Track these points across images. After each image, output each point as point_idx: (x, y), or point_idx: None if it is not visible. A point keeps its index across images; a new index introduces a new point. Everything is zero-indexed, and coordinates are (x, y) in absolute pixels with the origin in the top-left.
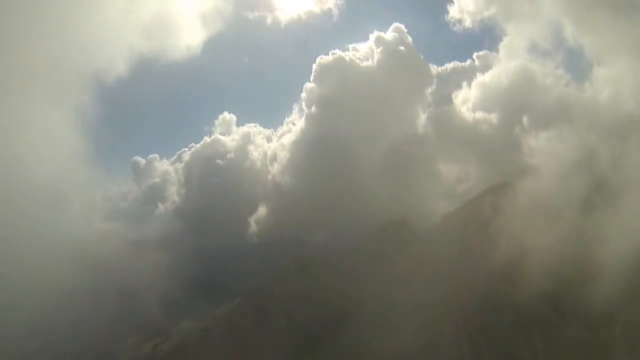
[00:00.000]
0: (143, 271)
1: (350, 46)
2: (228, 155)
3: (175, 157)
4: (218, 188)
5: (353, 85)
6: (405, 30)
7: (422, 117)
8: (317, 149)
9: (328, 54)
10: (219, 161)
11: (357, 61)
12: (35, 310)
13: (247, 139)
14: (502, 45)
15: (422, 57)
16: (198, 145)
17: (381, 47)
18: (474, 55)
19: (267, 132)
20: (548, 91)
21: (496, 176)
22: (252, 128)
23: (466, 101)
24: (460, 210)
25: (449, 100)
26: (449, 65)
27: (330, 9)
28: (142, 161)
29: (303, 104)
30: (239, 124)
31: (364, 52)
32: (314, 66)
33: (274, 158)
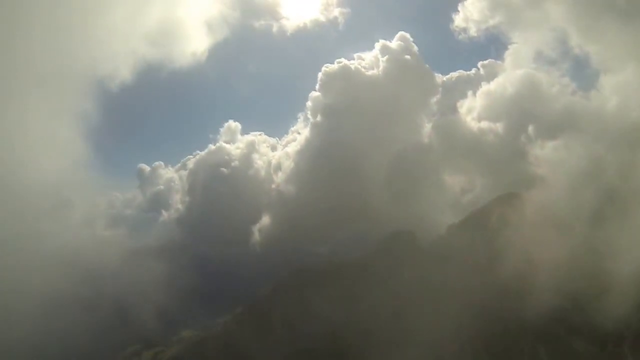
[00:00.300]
0: (144, 279)
1: (356, 55)
2: (232, 164)
3: (179, 164)
4: (222, 196)
5: (358, 94)
6: (411, 39)
7: (427, 127)
8: (321, 159)
9: (334, 63)
10: (224, 169)
11: (363, 70)
12: (33, 317)
13: (251, 148)
14: (508, 54)
15: (427, 66)
16: (203, 153)
17: (387, 56)
18: (479, 64)
19: (272, 140)
20: (554, 100)
21: (502, 186)
22: (257, 136)
23: (471, 110)
24: (465, 221)
25: (454, 110)
26: (454, 74)
27: (336, 18)
28: (147, 168)
29: (308, 112)
30: (244, 132)
31: (370, 60)
32: (320, 75)
33: (278, 167)
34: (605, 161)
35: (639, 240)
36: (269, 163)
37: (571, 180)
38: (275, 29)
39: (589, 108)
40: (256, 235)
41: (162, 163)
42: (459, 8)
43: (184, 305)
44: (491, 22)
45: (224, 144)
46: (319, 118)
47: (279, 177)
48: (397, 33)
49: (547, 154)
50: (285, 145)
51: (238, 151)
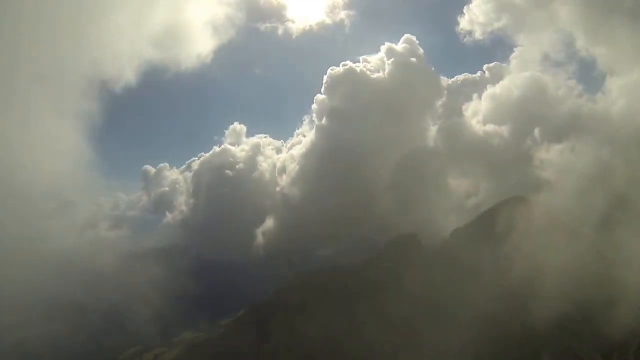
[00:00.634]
0: (146, 282)
1: (362, 57)
2: (237, 166)
3: (184, 166)
4: (226, 198)
5: (364, 96)
6: (417, 42)
7: (432, 130)
8: (326, 161)
9: (339, 65)
10: (228, 171)
11: (368, 72)
12: (34, 318)
13: (256, 150)
14: (513, 57)
15: (433, 68)
16: (207, 154)
17: (392, 59)
18: (485, 67)
19: (277, 143)
20: (560, 103)
21: (507, 190)
22: (262, 139)
23: (477, 113)
24: (470, 225)
25: (459, 113)
26: (460, 77)
27: (342, 20)
28: (152, 170)
29: (313, 115)
30: (249, 134)
31: (375, 63)
32: (325, 77)
33: (282, 170)
34: (613, 165)
35: None
36: (274, 165)
37: (578, 184)
38: (281, 31)
39: (596, 111)
40: (260, 238)
41: (166, 164)
42: (464, 11)
43: (185, 307)
44: (496, 25)
45: (229, 146)
46: (324, 121)
47: (284, 180)
48: (402, 36)
49: (553, 158)
50: (290, 148)
51: (243, 153)
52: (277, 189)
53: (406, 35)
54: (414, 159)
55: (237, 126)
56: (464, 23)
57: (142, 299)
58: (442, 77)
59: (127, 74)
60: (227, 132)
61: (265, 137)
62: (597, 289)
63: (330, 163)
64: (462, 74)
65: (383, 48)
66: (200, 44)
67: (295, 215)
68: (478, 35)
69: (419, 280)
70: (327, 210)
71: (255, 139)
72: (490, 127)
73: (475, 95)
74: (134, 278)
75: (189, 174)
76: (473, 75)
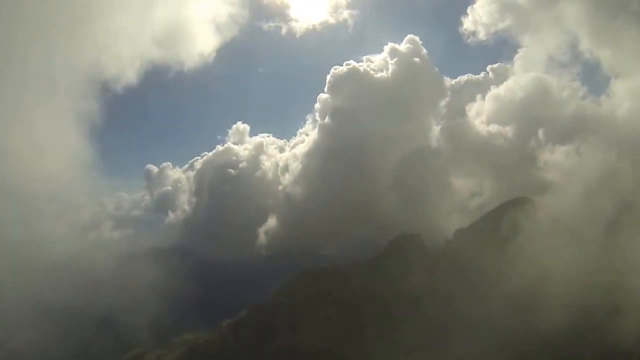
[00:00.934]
0: (147, 281)
1: (365, 57)
2: (240, 165)
3: (187, 165)
4: (229, 197)
5: (367, 96)
6: (420, 42)
7: (436, 130)
8: (329, 161)
9: (342, 65)
10: (231, 170)
11: (372, 72)
12: (37, 318)
13: (259, 149)
14: (517, 58)
15: (436, 69)
16: (210, 153)
17: (395, 59)
18: (488, 68)
19: (280, 142)
20: (564, 104)
21: (511, 191)
22: (265, 138)
23: (480, 114)
24: (474, 226)
25: (462, 113)
26: (463, 78)
27: (345, 20)
28: (155, 169)
29: (317, 114)
30: (253, 133)
31: (379, 63)
32: (328, 77)
33: (285, 169)
34: (620, 168)
35: None
36: (277, 165)
37: (584, 187)
38: (284, 30)
39: (600, 113)
40: (262, 238)
41: (169, 164)
42: (468, 11)
43: (186, 307)
44: (500, 26)
45: (232, 145)
46: (327, 120)
47: (287, 179)
48: (406, 36)
49: (557, 159)
50: (293, 147)
51: (246, 152)
52: (280, 188)
53: (409, 36)
54: (417, 158)
55: (240, 125)
56: (467, 23)
57: (142, 300)
58: (445, 78)
59: (129, 73)
60: (230, 131)
61: (268, 136)
62: (603, 295)
63: (333, 162)
64: (466, 75)
65: (386, 48)
66: (202, 42)
67: (297, 214)
68: (482, 35)
69: (422, 281)
70: (330, 210)
71: (258, 138)
72: (494, 128)
73: (478, 96)
74: (134, 278)
75: (191, 173)
76: (476, 76)
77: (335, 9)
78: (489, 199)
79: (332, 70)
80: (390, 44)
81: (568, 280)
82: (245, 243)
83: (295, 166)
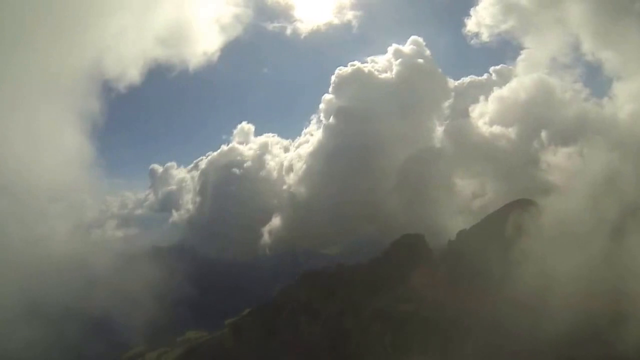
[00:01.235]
0: (150, 280)
1: (369, 58)
2: (245, 164)
3: (192, 165)
4: (233, 197)
5: (371, 97)
6: (424, 43)
7: (439, 131)
8: (333, 161)
9: (347, 66)
10: (236, 170)
11: (376, 73)
12: (32, 317)
13: (264, 149)
14: (520, 59)
15: (440, 70)
16: (215, 153)
17: (400, 60)
18: (491, 69)
19: (285, 142)
20: (567, 106)
21: (514, 192)
22: (270, 138)
23: (483, 115)
24: (477, 227)
25: (465, 114)
26: (466, 79)
27: (349, 21)
28: (160, 169)
29: (321, 114)
30: (258, 133)
31: (383, 64)
32: (333, 77)
33: (290, 169)
34: (624, 170)
35: None
36: (281, 164)
37: (587, 189)
38: (289, 31)
39: (603, 115)
40: (266, 237)
41: (174, 163)
42: (471, 13)
43: (189, 306)
44: (503, 27)
45: (237, 145)
46: (331, 120)
47: (291, 179)
48: (409, 37)
49: (560, 161)
50: (298, 147)
51: (251, 152)
52: (284, 187)
53: (413, 37)
54: (420, 159)
55: (245, 125)
56: (470, 25)
57: (143, 299)
58: (448, 79)
59: (133, 72)
60: (235, 131)
61: (273, 136)
62: (608, 301)
63: (337, 162)
64: (469, 76)
65: (390, 49)
66: (206, 42)
67: (301, 214)
68: (485, 37)
69: (424, 282)
70: (334, 210)
71: (263, 138)
72: (497, 129)
73: (482, 98)
74: (136, 278)
75: (196, 173)
76: (479, 78)
77: (340, 10)
78: (492, 200)
79: (336, 71)
80: (394, 45)
81: (572, 284)
82: (249, 242)
83: (300, 166)
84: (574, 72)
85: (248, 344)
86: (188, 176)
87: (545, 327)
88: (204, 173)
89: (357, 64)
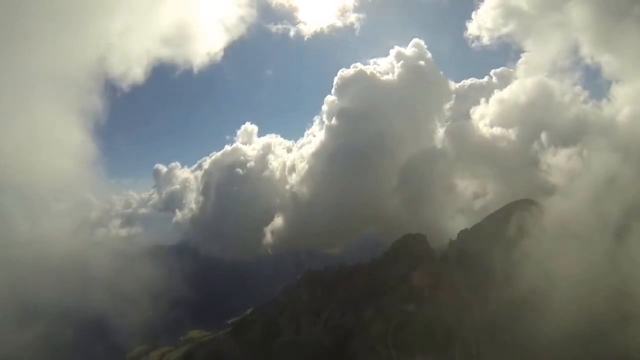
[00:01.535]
0: (154, 279)
1: (372, 60)
2: (248, 164)
3: (196, 165)
4: (236, 197)
5: (373, 98)
6: (425, 46)
7: (440, 132)
8: (335, 161)
9: (349, 67)
10: (239, 170)
11: (378, 75)
12: (40, 316)
13: (267, 149)
14: (520, 62)
15: (441, 72)
16: (219, 153)
17: (401, 62)
18: (492, 72)
19: (288, 143)
20: (566, 108)
21: (514, 193)
22: (273, 138)
23: (484, 117)
24: (478, 227)
25: (466, 116)
26: (467, 82)
27: (352, 24)
28: (164, 169)
29: (324, 115)
30: (261, 134)
31: (385, 66)
32: (335, 79)
33: (292, 169)
34: (624, 172)
35: None
36: (284, 165)
37: (587, 190)
38: (292, 32)
39: (602, 117)
40: (269, 237)
41: (178, 163)
42: (473, 16)
43: (192, 305)
44: (504, 31)
45: (240, 145)
46: (334, 121)
47: (293, 179)
48: (411, 40)
49: (560, 162)
50: (301, 148)
51: (254, 152)
52: (287, 187)
53: (415, 40)
54: (422, 160)
55: (249, 126)
56: (472, 28)
57: (146, 298)
58: (450, 82)
59: (137, 70)
60: (238, 132)
61: (276, 136)
62: (611, 302)
63: (339, 163)
64: (470, 79)
65: (392, 51)
66: (210, 41)
67: (304, 214)
68: (486, 40)
69: (426, 282)
70: (336, 210)
71: (266, 139)
72: (497, 130)
73: (482, 100)
74: (139, 276)
75: (200, 173)
76: (480, 80)
77: (343, 13)
78: (493, 201)
79: (339, 73)
80: (397, 48)
81: (574, 284)
82: (252, 242)
83: (302, 166)
84: (574, 75)
85: (251, 342)
86: (192, 176)
87: (548, 326)
88: (207, 173)
89: (360, 65)
